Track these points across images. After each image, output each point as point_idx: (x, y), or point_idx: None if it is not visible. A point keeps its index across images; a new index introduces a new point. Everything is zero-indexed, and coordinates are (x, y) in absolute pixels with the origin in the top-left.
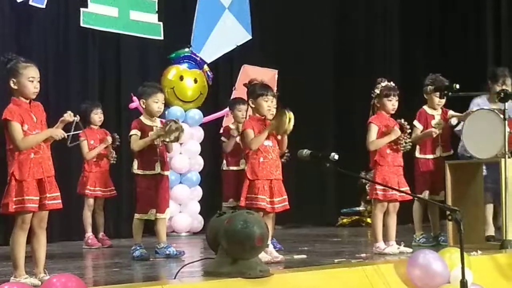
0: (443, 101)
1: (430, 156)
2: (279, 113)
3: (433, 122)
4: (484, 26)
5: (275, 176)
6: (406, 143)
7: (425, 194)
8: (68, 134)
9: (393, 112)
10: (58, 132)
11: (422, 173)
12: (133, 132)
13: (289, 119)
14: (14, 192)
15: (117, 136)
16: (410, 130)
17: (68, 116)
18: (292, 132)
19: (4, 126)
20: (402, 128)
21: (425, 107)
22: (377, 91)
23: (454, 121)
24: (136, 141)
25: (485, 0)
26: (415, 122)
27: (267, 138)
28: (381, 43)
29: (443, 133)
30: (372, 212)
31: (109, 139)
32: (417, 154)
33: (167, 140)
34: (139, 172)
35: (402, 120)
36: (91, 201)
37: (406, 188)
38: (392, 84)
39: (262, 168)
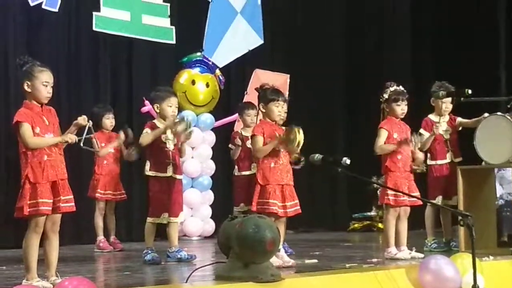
0: (450, 107)
1: (442, 162)
2: (288, 130)
3: (441, 129)
4: (497, 30)
5: (286, 181)
6: (422, 170)
7: (439, 199)
8: (80, 138)
9: (402, 116)
10: (70, 138)
11: (435, 178)
12: (145, 130)
13: (298, 142)
14: (29, 195)
15: (129, 128)
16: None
17: (82, 120)
18: (303, 136)
19: (15, 129)
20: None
21: (430, 116)
22: (386, 95)
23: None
24: (145, 135)
25: (496, 3)
26: (422, 131)
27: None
28: (392, 48)
29: (451, 139)
30: (385, 217)
31: (122, 136)
32: (429, 161)
33: (176, 131)
34: (151, 173)
35: (413, 137)
36: (102, 204)
37: (417, 194)
38: (401, 88)
39: (273, 173)
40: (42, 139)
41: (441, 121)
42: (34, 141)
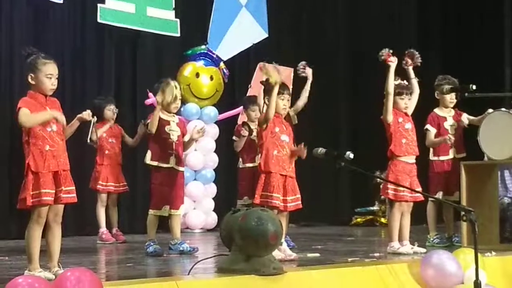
0: (455, 100)
1: (444, 158)
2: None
3: (446, 124)
4: (501, 26)
5: (288, 172)
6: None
7: (439, 195)
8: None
9: (405, 110)
10: (62, 116)
11: (436, 173)
12: (149, 121)
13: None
14: (31, 186)
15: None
16: None
17: (87, 115)
18: (307, 130)
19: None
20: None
21: (436, 110)
22: None
23: (465, 119)
24: (150, 123)
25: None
26: (428, 126)
27: (283, 133)
28: (397, 42)
29: (456, 135)
30: (391, 211)
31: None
32: (431, 157)
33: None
34: (153, 163)
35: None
36: (104, 196)
37: (419, 189)
38: (405, 82)
39: (275, 161)
40: (34, 115)
41: (447, 116)
42: (28, 119)
